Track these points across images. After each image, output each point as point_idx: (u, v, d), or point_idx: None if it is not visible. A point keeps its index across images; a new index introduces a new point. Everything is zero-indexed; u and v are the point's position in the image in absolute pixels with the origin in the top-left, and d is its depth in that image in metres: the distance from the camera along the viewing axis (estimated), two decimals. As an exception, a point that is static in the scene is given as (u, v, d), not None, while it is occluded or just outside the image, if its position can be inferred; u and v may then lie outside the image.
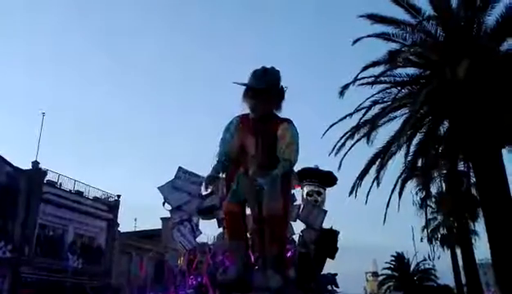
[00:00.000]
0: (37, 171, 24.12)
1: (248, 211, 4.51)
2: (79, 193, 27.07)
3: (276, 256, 4.10)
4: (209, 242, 7.17)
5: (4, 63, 72.65)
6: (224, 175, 4.58)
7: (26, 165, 23.94)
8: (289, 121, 4.30)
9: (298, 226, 6.92)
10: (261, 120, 4.25)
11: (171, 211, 6.43)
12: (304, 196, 6.32)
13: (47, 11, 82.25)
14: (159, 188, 6.36)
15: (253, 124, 4.27)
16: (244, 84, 4.25)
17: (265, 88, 4.17)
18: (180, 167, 6.46)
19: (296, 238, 6.37)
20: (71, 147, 71.27)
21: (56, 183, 25.71)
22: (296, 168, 6.27)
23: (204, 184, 4.59)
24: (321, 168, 6.58)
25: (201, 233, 6.72)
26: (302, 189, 6.42)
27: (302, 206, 6.46)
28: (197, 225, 6.64)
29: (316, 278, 5.80)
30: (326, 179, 6.49)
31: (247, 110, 4.35)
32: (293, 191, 6.60)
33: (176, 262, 7.04)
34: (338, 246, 6.24)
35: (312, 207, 6.29)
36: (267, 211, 4.01)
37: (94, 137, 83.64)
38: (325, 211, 6.32)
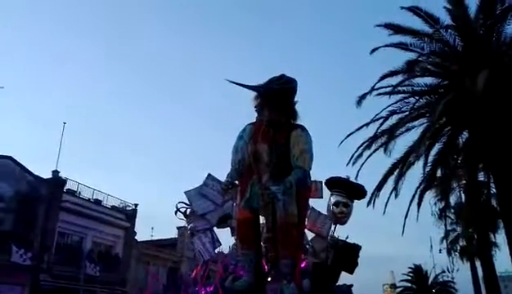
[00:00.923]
0: (57, 180, 24.43)
1: (262, 219, 4.47)
2: (98, 202, 27.35)
3: (290, 265, 4.02)
4: (224, 252, 7.02)
5: (26, 71, 74.28)
6: (238, 183, 4.55)
7: (47, 174, 24.37)
8: (302, 127, 4.24)
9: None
10: (273, 126, 4.20)
11: (194, 218, 6.22)
12: (330, 206, 6.19)
13: (56, 15, 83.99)
14: (185, 192, 6.17)
15: (266, 131, 4.23)
16: (240, 84, 4.20)
17: (268, 93, 4.11)
18: (209, 174, 6.22)
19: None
20: (90, 156, 72.15)
21: (76, 191, 26.02)
22: (324, 177, 6.23)
23: (221, 186, 4.56)
24: (352, 180, 6.39)
25: (221, 244, 6.43)
26: (329, 198, 6.28)
27: (308, 214, 6.33)
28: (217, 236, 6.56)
29: (330, 289, 5.68)
30: (356, 192, 6.33)
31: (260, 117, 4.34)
32: None
33: (190, 271, 6.93)
34: (358, 261, 6.08)
35: (318, 215, 6.13)
36: (280, 220, 3.95)
37: (112, 146, 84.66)
38: (332, 219, 6.06)
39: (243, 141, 4.35)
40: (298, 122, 4.36)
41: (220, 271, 6.04)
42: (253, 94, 4.31)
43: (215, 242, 6.22)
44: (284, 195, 3.89)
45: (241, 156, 4.31)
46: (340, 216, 6.01)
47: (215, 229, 6.44)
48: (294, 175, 3.95)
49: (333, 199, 6.11)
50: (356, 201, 6.26)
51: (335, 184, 6.14)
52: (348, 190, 6.11)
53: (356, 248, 5.97)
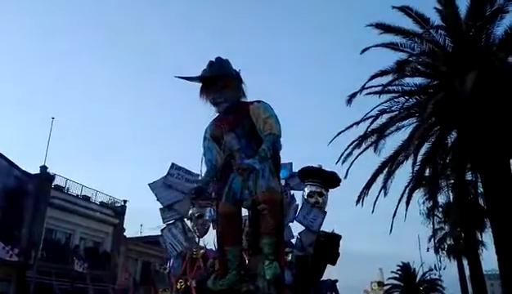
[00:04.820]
0: (45, 176, 24.19)
1: (244, 212, 4.31)
2: (86, 198, 27.13)
3: (273, 244, 3.82)
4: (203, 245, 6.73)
5: (14, 67, 73.35)
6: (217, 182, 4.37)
7: (35, 169, 24.05)
8: (258, 101, 4.16)
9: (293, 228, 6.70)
10: (231, 112, 4.12)
11: (162, 210, 5.98)
12: (305, 197, 6.07)
13: (55, 12, 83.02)
14: (149, 185, 5.93)
15: (226, 119, 4.14)
16: (187, 78, 4.10)
17: (213, 76, 4.03)
18: (173, 164, 5.99)
19: (294, 240, 6.02)
20: (79, 151, 71.57)
21: (64, 188, 25.79)
22: (298, 168, 6.12)
23: (189, 195, 4.38)
24: (324, 168, 6.28)
25: (193, 234, 6.21)
26: (303, 189, 6.17)
27: (300, 206, 6.15)
28: (206, 225, 6.30)
29: (314, 284, 5.60)
30: (329, 180, 6.20)
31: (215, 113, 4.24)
32: (293, 192, 6.40)
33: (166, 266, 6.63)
34: (339, 251, 5.97)
35: (311, 208, 5.98)
36: (263, 196, 3.81)
37: (101, 142, 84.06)
38: (325, 213, 6.00)
39: (207, 141, 4.29)
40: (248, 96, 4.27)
41: (198, 265, 5.84)
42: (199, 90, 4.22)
43: (187, 232, 6.01)
44: (261, 164, 3.78)
45: (210, 155, 4.25)
46: (316, 206, 5.93)
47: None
48: (265, 142, 3.85)
49: (307, 190, 6.01)
50: (331, 190, 6.16)
51: (308, 173, 6.03)
52: (321, 179, 6.02)
53: (336, 238, 5.87)
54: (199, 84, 4.20)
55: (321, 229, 5.95)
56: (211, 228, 6.25)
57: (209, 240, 6.41)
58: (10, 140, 60.74)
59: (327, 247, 5.74)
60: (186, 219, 6.14)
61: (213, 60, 4.13)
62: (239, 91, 4.19)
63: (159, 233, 6.12)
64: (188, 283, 5.45)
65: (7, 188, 22.35)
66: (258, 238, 3.94)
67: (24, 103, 73.84)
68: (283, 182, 5.50)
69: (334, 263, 5.81)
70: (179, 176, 5.90)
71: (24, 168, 23.44)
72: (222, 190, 4.10)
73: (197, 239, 6.38)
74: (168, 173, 5.94)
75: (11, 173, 22.88)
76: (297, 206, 6.22)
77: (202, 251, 6.19)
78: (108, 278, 26.13)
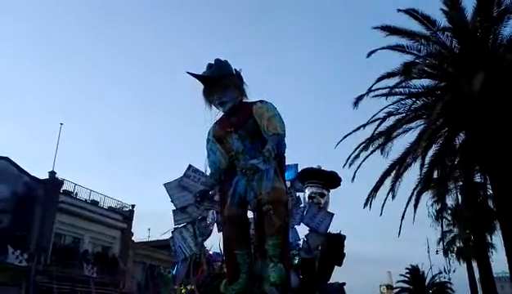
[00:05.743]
0: (53, 181, 24.37)
1: (250, 214, 4.24)
2: (95, 203, 27.32)
3: (277, 246, 3.73)
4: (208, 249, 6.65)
5: (23, 72, 74.06)
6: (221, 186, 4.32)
7: (43, 174, 24.28)
8: (261, 101, 4.11)
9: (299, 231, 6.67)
10: (234, 113, 4.09)
11: (174, 211, 5.84)
12: (306, 199, 6.02)
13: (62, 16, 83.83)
14: (165, 185, 5.82)
15: (229, 121, 4.10)
16: (196, 75, 4.07)
17: (215, 76, 4.01)
18: (190, 165, 5.86)
19: (300, 243, 5.94)
20: (87, 156, 71.94)
21: (72, 192, 25.98)
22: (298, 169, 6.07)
23: (194, 199, 4.26)
24: (323, 168, 6.23)
25: (204, 239, 5.95)
26: (304, 191, 6.13)
27: (306, 208, 6.07)
28: (209, 228, 6.07)
29: (320, 287, 5.55)
30: (330, 180, 6.15)
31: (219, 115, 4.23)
32: (298, 194, 6.39)
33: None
34: (345, 251, 5.92)
35: (318, 210, 5.90)
36: (268, 196, 3.73)
37: (108, 146, 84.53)
38: (332, 215, 5.91)
39: (210, 143, 4.25)
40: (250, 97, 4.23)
41: (202, 268, 5.81)
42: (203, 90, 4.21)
43: (197, 236, 5.83)
44: (265, 164, 3.70)
45: (214, 158, 4.21)
46: (319, 207, 5.89)
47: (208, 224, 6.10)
48: (270, 142, 3.79)
49: (308, 191, 5.95)
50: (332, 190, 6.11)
51: (308, 175, 5.98)
52: (322, 180, 5.97)
53: (340, 237, 5.82)
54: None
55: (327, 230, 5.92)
56: (214, 231, 6.22)
57: (212, 243, 6.39)
58: (19, 146, 61.35)
59: (332, 247, 5.69)
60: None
61: (212, 62, 4.11)
62: (241, 91, 4.16)
63: (167, 238, 6.06)
64: (188, 288, 5.41)
65: (17, 193, 22.56)
66: (263, 241, 3.86)
67: (32, 109, 74.46)
68: (288, 184, 5.47)
69: (340, 264, 5.77)
70: (195, 179, 5.76)
71: (32, 174, 23.69)
72: (227, 193, 4.04)
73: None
74: (185, 175, 5.84)
75: (21, 179, 23.10)
76: (303, 208, 6.19)
77: (205, 254, 6.14)
78: (115, 282, 26.29)
